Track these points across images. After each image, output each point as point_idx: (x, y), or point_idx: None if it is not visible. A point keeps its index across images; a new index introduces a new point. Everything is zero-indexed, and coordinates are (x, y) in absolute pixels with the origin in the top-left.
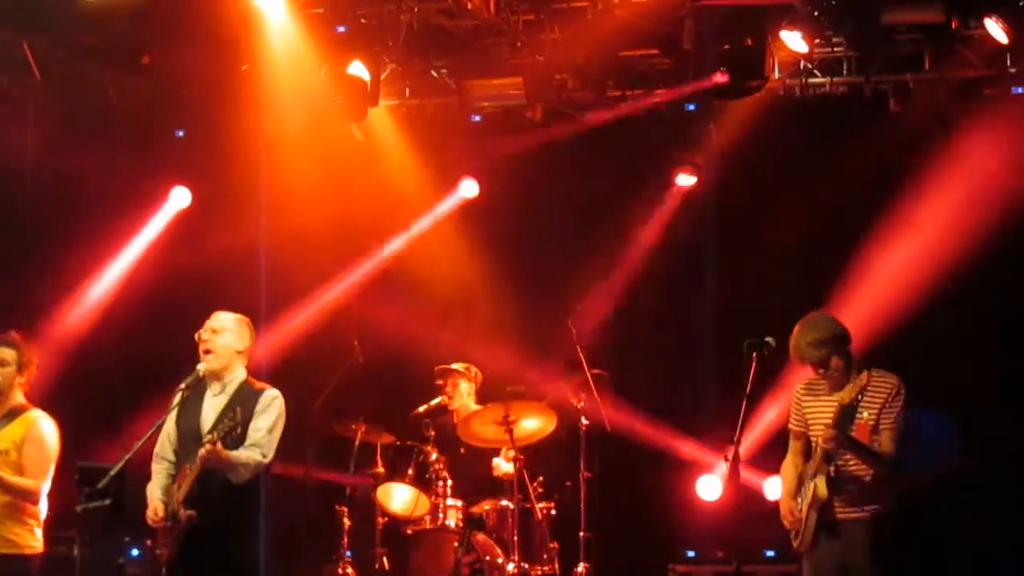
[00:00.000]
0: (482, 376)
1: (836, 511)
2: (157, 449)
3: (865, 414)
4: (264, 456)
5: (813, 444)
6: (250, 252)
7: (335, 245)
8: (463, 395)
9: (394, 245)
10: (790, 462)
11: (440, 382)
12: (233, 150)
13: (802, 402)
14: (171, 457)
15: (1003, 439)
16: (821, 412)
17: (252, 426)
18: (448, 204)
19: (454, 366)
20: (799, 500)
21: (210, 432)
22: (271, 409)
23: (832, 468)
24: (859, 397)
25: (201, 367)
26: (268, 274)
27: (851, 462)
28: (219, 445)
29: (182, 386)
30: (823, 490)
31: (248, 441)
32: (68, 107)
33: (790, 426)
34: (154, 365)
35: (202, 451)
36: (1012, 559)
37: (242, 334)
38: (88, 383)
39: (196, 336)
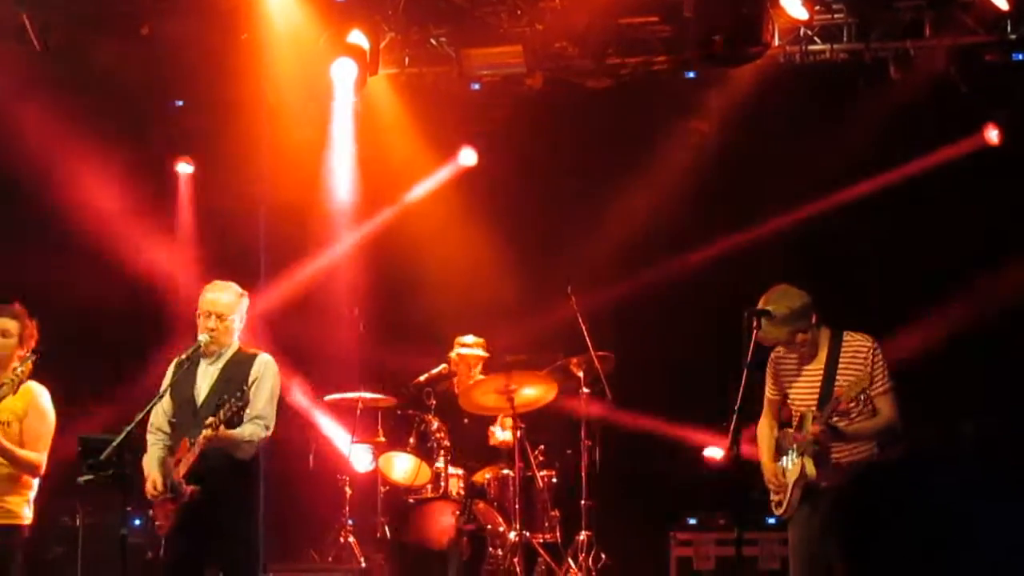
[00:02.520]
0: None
1: (822, 483)
2: (153, 420)
3: (841, 380)
4: (267, 428)
5: (795, 414)
6: (250, 218)
7: (335, 213)
8: (477, 372)
9: (393, 212)
10: (766, 424)
11: (457, 359)
12: (233, 120)
13: (779, 373)
14: (167, 428)
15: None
16: (799, 384)
17: (252, 400)
18: (447, 172)
19: (475, 351)
20: (781, 464)
21: (213, 414)
22: (266, 376)
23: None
24: (835, 365)
25: (203, 339)
26: (268, 241)
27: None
28: (222, 428)
29: (182, 357)
30: (812, 470)
31: (251, 412)
32: (68, 77)
33: (767, 391)
34: (154, 330)
35: (204, 434)
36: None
37: (242, 311)
38: (90, 348)
39: (197, 314)
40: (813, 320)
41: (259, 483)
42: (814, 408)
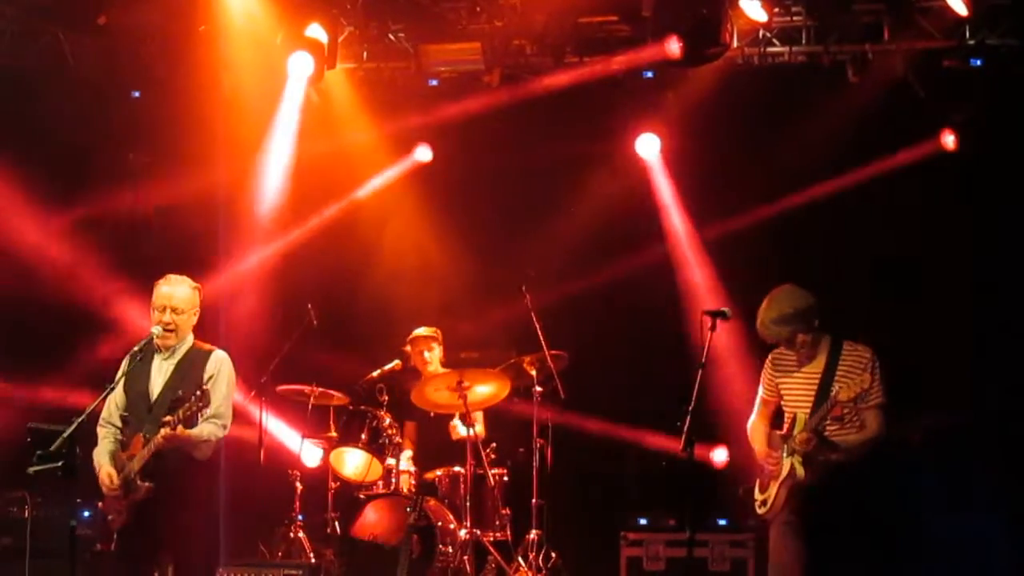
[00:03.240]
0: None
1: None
2: (104, 415)
3: (838, 388)
4: (224, 427)
5: (788, 414)
6: (205, 209)
7: (289, 206)
8: (436, 360)
9: (347, 207)
10: (759, 423)
11: (409, 349)
12: (189, 111)
13: (775, 376)
14: (118, 422)
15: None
16: (795, 387)
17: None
18: (402, 168)
19: (424, 332)
20: (778, 453)
21: (170, 411)
22: (222, 374)
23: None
24: (833, 371)
25: (156, 331)
26: (223, 232)
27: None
28: (180, 428)
29: (135, 350)
30: (801, 472)
31: (208, 412)
32: (23, 67)
33: (760, 392)
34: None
35: (163, 433)
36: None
37: (197, 306)
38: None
39: (154, 309)
40: (816, 323)
41: (214, 481)
42: (808, 411)
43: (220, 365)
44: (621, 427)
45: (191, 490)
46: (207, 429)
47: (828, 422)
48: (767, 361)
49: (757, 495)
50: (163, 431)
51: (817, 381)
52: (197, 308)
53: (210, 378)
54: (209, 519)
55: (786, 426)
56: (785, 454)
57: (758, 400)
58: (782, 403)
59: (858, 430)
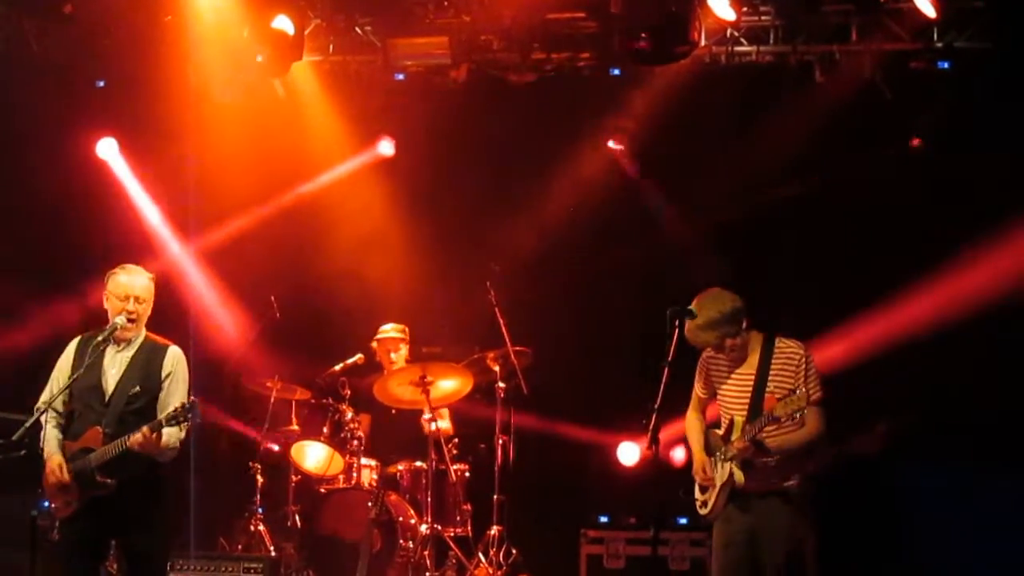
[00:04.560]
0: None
1: (750, 489)
2: (46, 398)
3: (772, 386)
4: (183, 430)
5: (724, 417)
6: (173, 197)
7: (257, 196)
8: (401, 360)
9: (310, 201)
10: (694, 417)
11: (377, 347)
12: (154, 101)
13: (710, 373)
14: (60, 407)
15: None
16: (729, 387)
17: (165, 397)
18: (366, 161)
19: (392, 333)
20: (714, 460)
21: (128, 406)
22: (178, 372)
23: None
24: (765, 372)
25: (120, 321)
26: (191, 221)
27: (768, 442)
28: (154, 436)
29: (95, 339)
30: (740, 477)
31: (163, 414)
32: None
33: (696, 388)
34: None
35: (135, 439)
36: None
37: (153, 296)
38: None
39: (114, 298)
40: (744, 325)
41: (171, 475)
42: (744, 414)
43: (176, 363)
44: (583, 424)
45: (152, 484)
46: (175, 436)
47: (766, 432)
48: (700, 361)
49: (697, 495)
50: (138, 435)
51: (751, 383)
52: (153, 298)
53: (168, 375)
54: (167, 511)
55: (723, 429)
56: (723, 458)
57: (694, 396)
58: (718, 403)
59: (797, 428)
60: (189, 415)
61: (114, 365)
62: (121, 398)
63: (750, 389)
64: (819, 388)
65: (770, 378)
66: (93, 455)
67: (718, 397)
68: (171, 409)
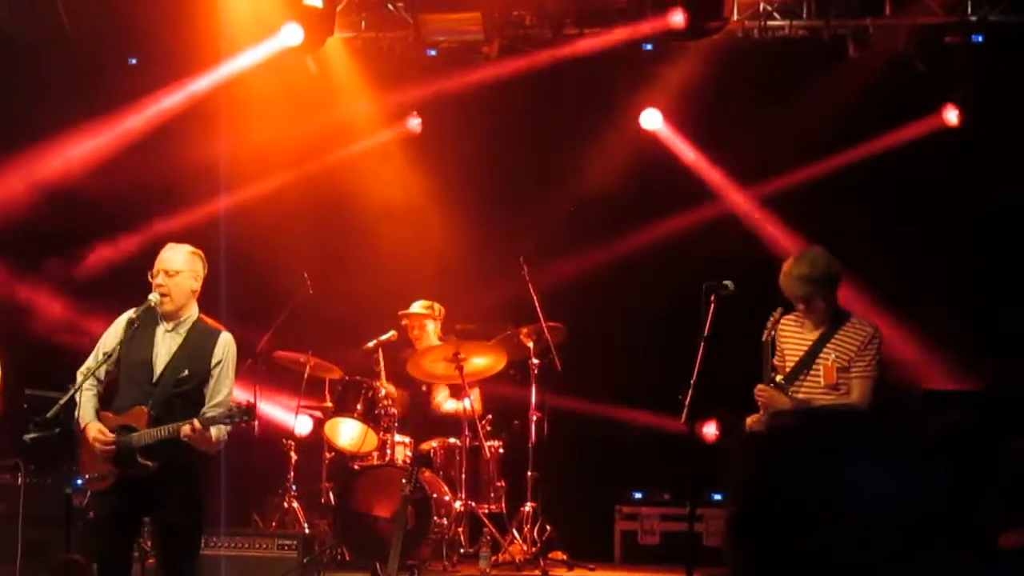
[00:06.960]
0: (444, 311)
1: None
2: (90, 364)
3: (833, 356)
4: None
5: (780, 368)
6: (206, 178)
7: (289, 174)
8: (430, 335)
9: (343, 177)
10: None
11: (406, 323)
12: (186, 79)
13: (780, 340)
14: (102, 376)
15: None
16: (795, 346)
17: (215, 385)
18: (398, 138)
19: (418, 309)
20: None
21: (176, 388)
22: (228, 360)
23: None
24: (826, 340)
25: (154, 298)
26: (225, 200)
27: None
28: (206, 431)
29: (131, 315)
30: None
31: (212, 402)
32: (21, 34)
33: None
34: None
35: (184, 431)
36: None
37: (196, 271)
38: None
39: (149, 275)
40: (836, 296)
41: (212, 458)
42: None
43: (227, 351)
44: (618, 400)
45: (191, 466)
46: (222, 431)
47: (818, 386)
48: (768, 340)
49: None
50: (187, 427)
51: (808, 347)
52: (197, 273)
53: (218, 363)
54: (203, 488)
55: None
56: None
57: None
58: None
59: (842, 396)
60: (245, 418)
61: (164, 345)
62: (169, 380)
63: (803, 352)
64: (875, 366)
65: (826, 348)
66: (136, 435)
67: (783, 353)
68: (220, 401)
